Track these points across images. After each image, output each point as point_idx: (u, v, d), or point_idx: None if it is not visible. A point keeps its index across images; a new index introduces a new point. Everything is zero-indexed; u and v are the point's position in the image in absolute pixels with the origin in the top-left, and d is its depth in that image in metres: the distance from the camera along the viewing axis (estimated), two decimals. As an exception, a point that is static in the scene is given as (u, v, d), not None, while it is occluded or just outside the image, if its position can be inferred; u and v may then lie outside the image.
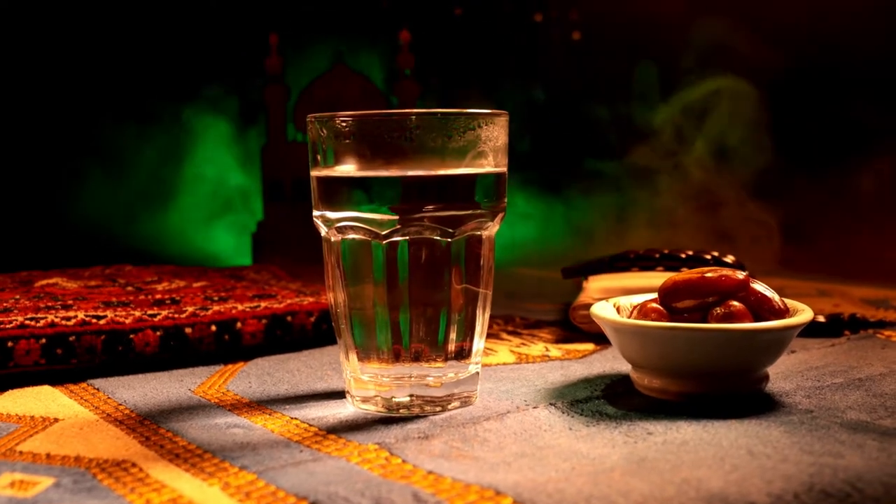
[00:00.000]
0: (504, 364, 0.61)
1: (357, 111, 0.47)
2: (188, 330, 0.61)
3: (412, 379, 0.49)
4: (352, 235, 0.49)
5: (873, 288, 0.92)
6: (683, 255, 0.72)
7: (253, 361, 0.62)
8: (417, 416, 0.48)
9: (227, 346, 0.62)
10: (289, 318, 0.65)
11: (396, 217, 0.47)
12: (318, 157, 0.49)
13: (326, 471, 0.39)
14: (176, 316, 0.61)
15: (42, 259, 0.92)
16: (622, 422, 0.46)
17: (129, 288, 0.68)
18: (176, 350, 0.60)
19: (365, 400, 0.50)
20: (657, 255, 0.73)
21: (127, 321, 0.59)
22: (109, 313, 0.59)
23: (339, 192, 0.48)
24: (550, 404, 0.50)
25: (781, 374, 0.56)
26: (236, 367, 0.61)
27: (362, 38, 1.15)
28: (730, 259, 0.72)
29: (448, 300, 0.49)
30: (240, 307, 0.64)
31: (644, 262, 0.73)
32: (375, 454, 0.42)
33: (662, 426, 0.45)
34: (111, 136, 1.24)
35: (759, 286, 0.51)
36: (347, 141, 0.47)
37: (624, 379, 0.55)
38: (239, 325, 0.63)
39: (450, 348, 0.50)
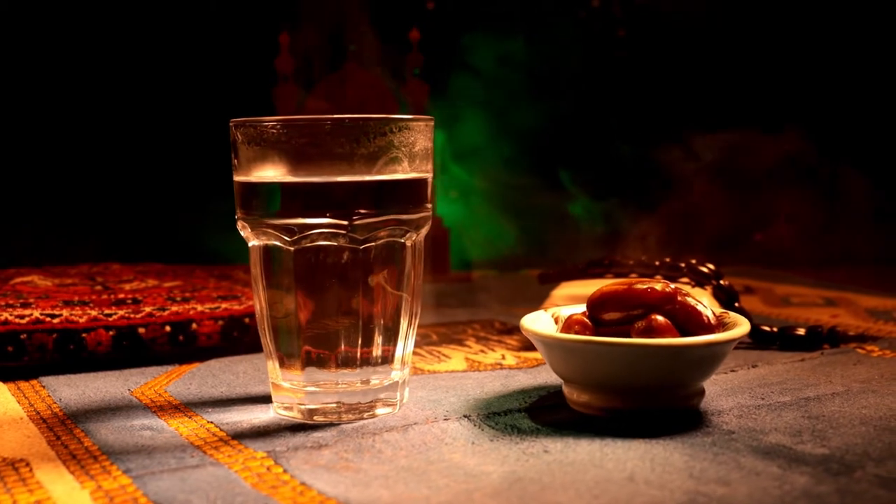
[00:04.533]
0: (452, 371, 0.60)
1: (281, 117, 0.47)
2: (141, 330, 0.62)
3: (331, 386, 0.49)
4: (265, 241, 0.49)
5: (884, 298, 0.86)
6: (657, 263, 0.70)
7: (205, 363, 0.63)
8: (332, 424, 0.48)
9: (182, 346, 0.63)
10: (246, 321, 0.65)
11: (303, 223, 0.47)
12: (235, 162, 0.49)
13: (199, 478, 0.39)
14: (131, 316, 0.62)
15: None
16: (528, 438, 0.45)
17: (99, 287, 0.70)
18: (129, 350, 0.61)
19: (286, 407, 0.50)
20: (631, 262, 0.71)
21: (81, 320, 0.61)
22: (65, 312, 0.61)
23: (249, 198, 0.48)
24: (465, 416, 0.49)
25: (728, 390, 0.53)
26: (185, 369, 0.61)
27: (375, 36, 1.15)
28: (706, 268, 0.69)
29: (360, 308, 0.48)
30: (199, 308, 0.65)
31: (618, 269, 0.71)
32: (260, 462, 0.42)
33: (563, 444, 0.43)
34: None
35: (691, 299, 0.49)
36: (258, 147, 0.47)
37: (560, 392, 0.54)
38: (194, 326, 0.64)
39: (373, 354, 0.49)
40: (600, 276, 0.71)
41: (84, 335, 0.60)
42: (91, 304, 0.63)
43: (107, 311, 0.62)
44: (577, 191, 1.20)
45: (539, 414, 0.49)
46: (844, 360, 0.61)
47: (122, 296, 0.66)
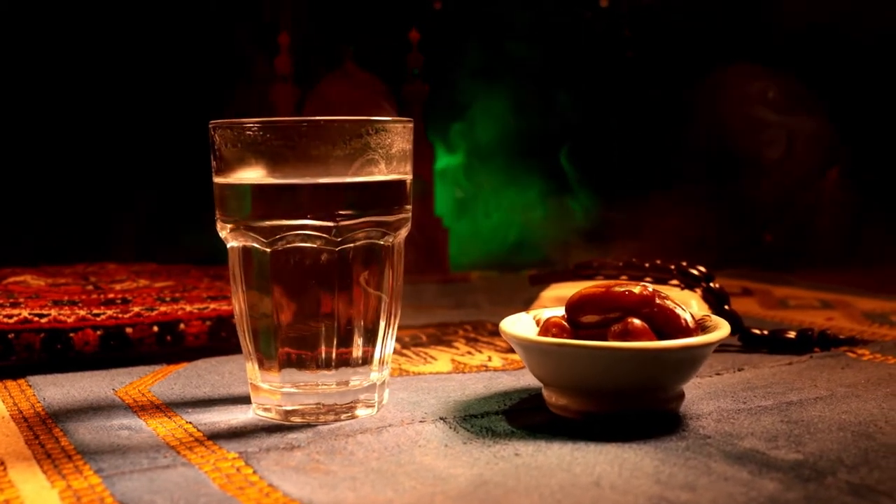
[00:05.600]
0: (437, 373, 0.60)
1: (258, 119, 0.47)
2: (129, 330, 0.62)
3: (310, 387, 0.49)
4: (242, 242, 0.49)
5: (882, 300, 0.85)
6: (647, 265, 0.69)
7: (193, 363, 0.63)
8: (309, 425, 0.48)
9: (169, 347, 0.64)
10: (234, 321, 0.66)
11: (279, 225, 0.47)
12: (214, 164, 0.49)
13: (167, 479, 0.40)
14: (119, 316, 0.63)
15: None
16: (501, 441, 0.44)
17: (90, 287, 0.70)
18: (116, 350, 0.62)
19: (265, 408, 0.50)
20: (620, 264, 0.70)
21: (69, 320, 0.61)
22: (54, 312, 0.61)
23: (227, 200, 0.49)
24: (441, 419, 0.48)
25: (711, 394, 0.53)
26: (172, 369, 0.62)
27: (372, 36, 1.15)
28: (696, 271, 0.68)
29: (339, 309, 0.48)
30: (187, 308, 0.65)
31: (608, 271, 0.71)
32: (231, 463, 0.42)
33: (534, 448, 0.43)
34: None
35: (670, 303, 0.48)
36: (235, 148, 0.48)
37: (541, 395, 0.54)
38: (182, 326, 0.64)
39: (352, 356, 0.49)
40: (590, 277, 0.71)
41: (71, 335, 0.61)
42: (80, 304, 0.64)
43: (95, 311, 0.63)
44: (577, 177, 1.20)
45: (517, 417, 0.49)
46: (833, 363, 0.60)
47: (111, 296, 0.66)
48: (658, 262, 0.70)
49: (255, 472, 0.41)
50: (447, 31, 1.26)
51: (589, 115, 1.30)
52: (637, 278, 0.69)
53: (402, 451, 0.43)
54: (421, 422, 0.48)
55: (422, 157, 1.13)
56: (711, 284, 0.68)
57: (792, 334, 0.65)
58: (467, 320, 0.80)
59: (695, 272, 0.68)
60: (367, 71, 1.13)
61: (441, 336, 0.73)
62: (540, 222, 1.23)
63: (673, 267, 0.68)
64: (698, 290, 0.67)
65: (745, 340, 0.66)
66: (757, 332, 0.66)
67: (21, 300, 0.63)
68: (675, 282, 0.68)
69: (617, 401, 0.47)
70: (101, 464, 0.42)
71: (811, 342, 0.64)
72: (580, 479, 0.38)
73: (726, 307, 0.67)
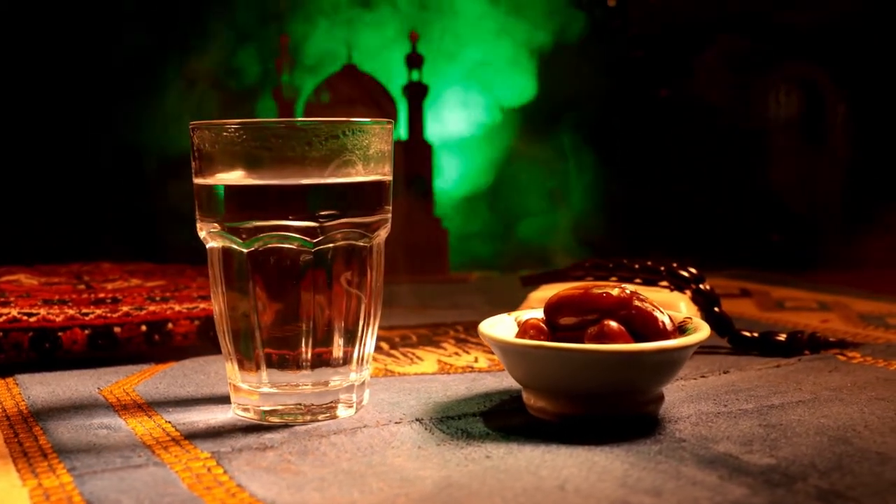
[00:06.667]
0: (421, 374, 0.60)
1: (237, 120, 0.47)
2: (117, 329, 0.63)
3: (288, 388, 0.49)
4: (220, 243, 0.49)
5: (879, 302, 0.85)
6: (637, 266, 0.69)
7: (180, 362, 0.64)
8: (286, 426, 0.48)
9: (157, 346, 0.64)
10: (223, 320, 0.66)
11: (255, 226, 0.47)
12: (193, 165, 0.49)
13: (137, 478, 0.40)
14: (108, 315, 0.63)
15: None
16: (474, 443, 0.44)
17: (81, 286, 0.71)
18: (105, 349, 0.62)
19: (244, 408, 0.50)
20: (610, 265, 0.70)
21: (58, 319, 0.62)
22: (43, 311, 0.62)
23: (205, 200, 0.49)
24: (418, 420, 0.48)
25: (692, 397, 0.53)
26: (159, 368, 0.62)
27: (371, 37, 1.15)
28: (686, 272, 0.68)
29: (317, 310, 0.48)
30: (176, 308, 0.66)
31: (598, 273, 0.70)
32: (202, 463, 0.42)
33: (506, 450, 0.43)
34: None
35: (648, 305, 0.48)
36: (213, 149, 0.48)
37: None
38: (170, 325, 0.64)
39: (332, 356, 0.50)
40: (580, 278, 0.71)
41: (60, 334, 0.61)
42: (70, 304, 0.64)
43: (84, 311, 0.63)
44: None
45: (494, 419, 0.49)
46: (821, 366, 0.60)
47: (102, 295, 0.67)
48: (649, 263, 0.70)
49: (225, 472, 0.41)
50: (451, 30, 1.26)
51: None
52: (627, 279, 0.69)
53: (375, 453, 0.43)
54: (397, 423, 0.48)
55: (422, 156, 1.13)
56: (701, 286, 0.67)
57: (782, 337, 0.65)
58: (460, 321, 0.80)
59: (685, 274, 0.67)
60: (366, 73, 1.14)
61: (431, 337, 0.73)
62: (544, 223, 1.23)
63: (663, 268, 0.68)
64: (687, 292, 0.67)
65: (735, 343, 0.66)
66: (747, 334, 0.65)
67: (11, 299, 0.64)
68: (664, 283, 0.67)
69: (593, 403, 0.47)
70: (76, 462, 0.42)
71: (801, 345, 0.64)
72: (546, 482, 0.38)
73: (716, 309, 0.66)
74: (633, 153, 1.31)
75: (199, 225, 0.50)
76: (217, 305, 0.51)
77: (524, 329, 0.49)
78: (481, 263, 1.20)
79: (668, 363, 0.46)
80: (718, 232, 1.23)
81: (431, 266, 1.11)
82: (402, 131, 1.14)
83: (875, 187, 1.19)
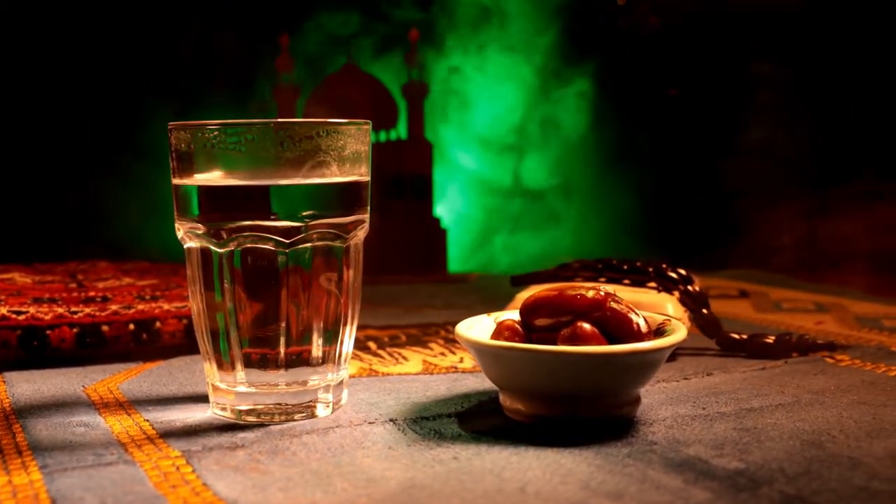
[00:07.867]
0: (404, 374, 0.60)
1: (214, 121, 0.48)
2: (105, 328, 0.63)
3: (266, 387, 0.49)
4: (198, 244, 0.49)
5: (877, 304, 0.84)
6: (626, 266, 0.68)
7: (167, 361, 0.64)
8: (262, 425, 0.48)
9: (145, 345, 0.64)
10: (211, 320, 0.66)
11: (231, 227, 0.47)
12: (172, 165, 0.50)
13: (105, 476, 0.40)
14: (96, 314, 0.64)
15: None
16: (445, 444, 0.44)
17: (73, 285, 0.72)
18: (93, 347, 0.63)
19: (222, 407, 0.51)
20: (599, 266, 0.70)
21: (46, 317, 0.62)
22: (32, 309, 0.63)
23: (181, 201, 0.49)
24: (391, 420, 0.49)
25: (671, 399, 0.52)
26: (145, 367, 0.63)
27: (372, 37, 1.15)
28: (675, 273, 0.67)
29: (294, 310, 0.48)
30: (165, 307, 0.66)
31: (587, 273, 0.70)
32: (172, 462, 0.42)
33: (474, 452, 0.43)
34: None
35: (622, 307, 0.48)
36: (190, 150, 0.48)
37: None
38: (158, 324, 0.65)
39: (312, 355, 0.50)
40: (569, 279, 0.70)
41: (48, 332, 0.62)
42: (60, 302, 0.65)
43: (73, 309, 0.64)
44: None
45: (469, 420, 0.49)
46: (807, 369, 0.59)
47: (92, 293, 0.67)
48: (637, 263, 0.69)
49: (193, 471, 0.41)
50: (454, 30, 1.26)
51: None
52: (615, 280, 0.68)
53: (345, 453, 0.43)
54: (370, 423, 0.48)
55: (422, 156, 1.13)
56: (690, 287, 0.67)
57: (770, 339, 0.64)
58: (452, 321, 0.80)
59: (673, 275, 0.67)
60: (367, 72, 1.14)
61: (421, 336, 0.73)
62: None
63: (651, 269, 0.67)
64: (675, 293, 0.66)
65: (724, 345, 0.65)
66: (735, 336, 0.65)
67: (2, 297, 0.65)
68: (651, 284, 0.67)
69: (567, 405, 0.47)
70: (48, 460, 0.43)
71: (789, 347, 0.63)
72: (507, 484, 0.38)
73: (704, 311, 0.66)
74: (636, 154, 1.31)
75: (176, 225, 0.51)
76: (195, 305, 0.51)
77: (499, 330, 0.49)
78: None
79: (640, 365, 0.46)
80: (718, 232, 1.23)
81: (429, 266, 1.11)
82: (403, 131, 1.14)
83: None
